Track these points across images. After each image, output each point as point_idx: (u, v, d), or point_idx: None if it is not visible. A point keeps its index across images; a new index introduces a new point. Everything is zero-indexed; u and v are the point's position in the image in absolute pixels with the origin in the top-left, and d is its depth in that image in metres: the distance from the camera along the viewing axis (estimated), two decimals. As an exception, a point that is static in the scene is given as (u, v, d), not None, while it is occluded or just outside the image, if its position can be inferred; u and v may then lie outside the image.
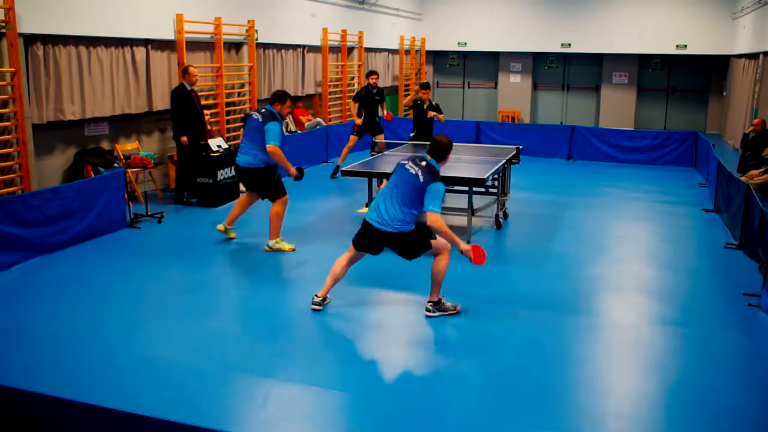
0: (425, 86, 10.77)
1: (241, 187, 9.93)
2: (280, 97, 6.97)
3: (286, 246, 7.11)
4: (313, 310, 5.49)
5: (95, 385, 4.19)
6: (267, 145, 6.71)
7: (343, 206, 9.26)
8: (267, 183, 6.99)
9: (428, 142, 7.15)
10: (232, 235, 7.49)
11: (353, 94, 15.85)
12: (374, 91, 11.23)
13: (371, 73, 11.43)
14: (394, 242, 5.33)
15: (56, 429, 4.06)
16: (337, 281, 5.58)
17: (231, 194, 9.41)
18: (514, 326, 5.32)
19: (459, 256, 5.40)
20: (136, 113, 9.41)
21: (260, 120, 6.83)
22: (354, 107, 11.27)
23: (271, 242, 7.09)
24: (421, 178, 5.18)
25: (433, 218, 5.12)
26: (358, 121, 11.22)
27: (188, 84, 8.86)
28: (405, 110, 11.29)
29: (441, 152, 5.36)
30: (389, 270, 6.56)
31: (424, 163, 5.29)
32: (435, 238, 5.37)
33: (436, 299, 5.47)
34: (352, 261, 5.58)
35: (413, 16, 19.27)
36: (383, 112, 11.58)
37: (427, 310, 5.47)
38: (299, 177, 7.04)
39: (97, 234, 7.46)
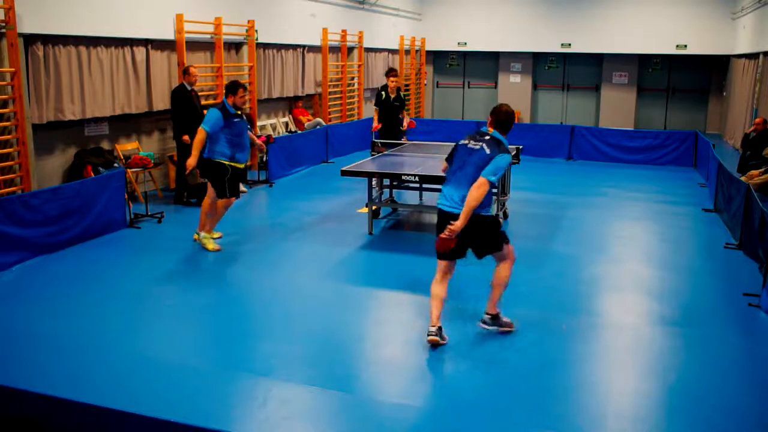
0: (391, 72, 9.76)
1: (242, 187, 9.96)
2: (230, 88, 6.98)
3: (211, 245, 7.08)
4: (432, 342, 4.83)
5: (95, 385, 4.20)
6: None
7: (343, 206, 9.26)
8: (214, 176, 7.00)
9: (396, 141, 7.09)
10: (217, 235, 7.43)
11: (353, 93, 15.98)
12: (393, 95, 9.84)
13: (389, 72, 9.93)
14: (470, 229, 4.81)
15: (56, 429, 4.06)
16: (443, 302, 4.99)
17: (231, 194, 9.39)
18: (514, 326, 5.31)
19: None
20: (136, 113, 9.41)
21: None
22: (376, 114, 9.99)
23: (202, 234, 7.12)
24: (488, 150, 4.80)
25: (480, 182, 4.69)
26: (375, 127, 10.04)
27: (188, 84, 8.86)
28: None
29: (506, 123, 4.94)
30: (390, 270, 6.56)
31: (487, 137, 4.91)
32: (509, 242, 5.07)
33: (494, 312, 5.11)
34: (445, 276, 5.04)
35: (413, 16, 19.28)
36: (406, 119, 10.21)
37: (483, 321, 5.12)
38: (189, 169, 6.90)
39: (97, 234, 7.46)
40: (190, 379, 4.32)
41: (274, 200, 9.94)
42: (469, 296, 5.93)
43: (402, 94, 10.07)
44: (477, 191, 4.71)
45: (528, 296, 5.99)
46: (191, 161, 6.81)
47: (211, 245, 7.05)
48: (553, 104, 20.15)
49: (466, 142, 5.03)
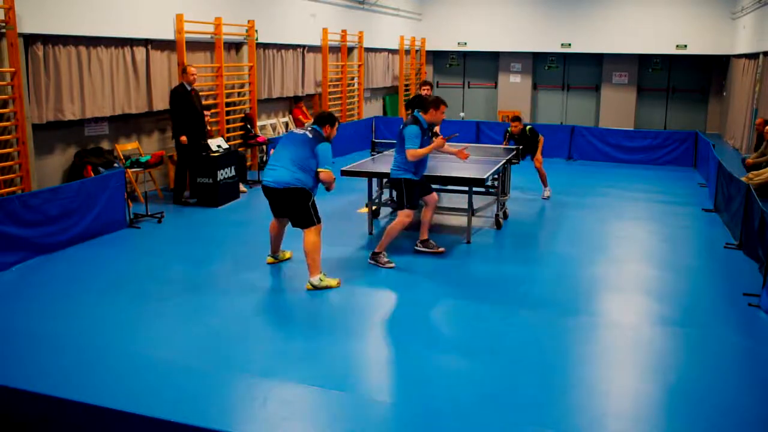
0: (426, 84, 10.44)
1: (242, 187, 9.93)
2: (328, 119, 6.21)
3: (333, 281, 6.12)
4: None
5: (95, 385, 4.19)
6: (320, 170, 5.95)
7: (344, 206, 9.26)
8: (301, 206, 6.04)
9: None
10: (288, 255, 6.86)
11: (353, 93, 15.97)
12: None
13: (423, 84, 10.59)
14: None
15: (56, 429, 4.06)
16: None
17: (231, 194, 9.42)
18: (514, 326, 5.32)
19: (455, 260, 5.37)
20: (136, 113, 9.42)
21: (308, 135, 6.07)
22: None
23: (314, 279, 6.06)
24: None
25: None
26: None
27: (187, 84, 8.86)
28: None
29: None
30: (389, 270, 6.56)
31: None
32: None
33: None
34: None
35: (413, 16, 19.28)
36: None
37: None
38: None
39: (97, 234, 7.46)
40: (190, 379, 4.32)
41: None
42: (469, 296, 5.93)
43: (528, 130, 10.28)
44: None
45: (528, 296, 5.99)
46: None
47: (333, 281, 6.15)
48: (553, 104, 20.15)
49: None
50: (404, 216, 6.64)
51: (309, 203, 6.01)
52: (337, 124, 6.25)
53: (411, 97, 10.77)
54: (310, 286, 5.99)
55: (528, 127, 10.29)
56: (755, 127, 11.74)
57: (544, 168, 10.11)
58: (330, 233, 7.64)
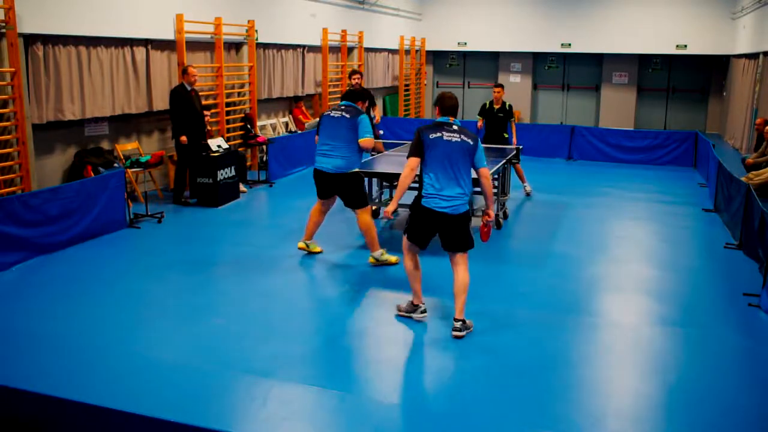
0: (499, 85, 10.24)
1: (242, 187, 9.93)
2: (356, 95, 6.63)
3: (392, 258, 6.59)
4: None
5: (95, 385, 4.20)
6: (361, 140, 6.32)
7: (344, 206, 9.24)
8: (357, 189, 6.52)
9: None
10: (318, 249, 7.00)
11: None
12: (497, 107, 10.11)
13: (353, 72, 10.27)
14: (452, 226, 5.07)
15: (56, 429, 4.06)
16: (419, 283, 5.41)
17: (231, 194, 9.42)
18: (514, 326, 5.32)
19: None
20: (136, 113, 9.41)
21: (347, 116, 6.38)
22: (480, 122, 10.33)
23: (376, 253, 6.58)
24: (471, 141, 5.00)
25: (486, 173, 5.14)
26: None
27: (188, 84, 8.86)
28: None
29: (453, 108, 5.12)
30: (389, 270, 6.56)
31: (456, 127, 5.04)
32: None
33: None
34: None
35: (413, 16, 19.28)
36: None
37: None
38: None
39: (97, 234, 7.46)
40: (190, 379, 4.32)
41: (274, 200, 9.94)
42: (469, 296, 5.94)
43: (508, 105, 10.13)
44: (490, 179, 5.21)
45: (528, 296, 6.00)
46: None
47: (393, 258, 6.63)
48: (553, 104, 20.15)
49: (441, 135, 5.00)
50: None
51: (363, 185, 6.54)
52: (368, 102, 6.66)
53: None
54: (374, 260, 6.56)
55: (508, 103, 10.13)
56: (755, 127, 11.75)
57: (544, 168, 10.10)
58: (330, 233, 7.65)
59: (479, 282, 6.34)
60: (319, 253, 6.97)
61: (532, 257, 7.23)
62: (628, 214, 9.24)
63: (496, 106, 10.12)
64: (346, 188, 6.48)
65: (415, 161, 5.07)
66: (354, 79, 10.00)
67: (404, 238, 5.29)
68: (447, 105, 5.10)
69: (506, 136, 10.17)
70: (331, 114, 6.49)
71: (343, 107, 6.49)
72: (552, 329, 5.26)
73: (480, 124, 10.31)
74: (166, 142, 10.11)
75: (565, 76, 19.98)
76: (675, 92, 19.23)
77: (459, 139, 4.97)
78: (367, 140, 6.35)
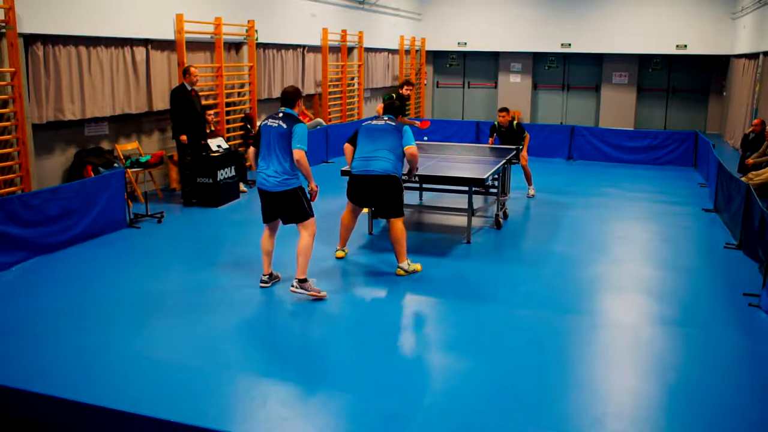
0: (503, 110, 10.28)
1: (242, 187, 9.91)
2: (397, 109, 6.76)
3: (418, 266, 6.55)
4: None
5: (95, 385, 4.20)
6: (407, 147, 6.38)
7: (343, 206, 9.23)
8: (396, 195, 6.44)
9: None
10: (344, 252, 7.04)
11: (353, 93, 15.97)
12: (503, 129, 10.18)
13: (406, 83, 10.67)
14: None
15: (56, 429, 4.06)
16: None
17: (231, 194, 9.42)
18: (514, 326, 5.32)
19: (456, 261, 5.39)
20: (136, 113, 9.42)
21: (391, 124, 6.48)
22: (491, 141, 10.45)
23: (404, 264, 6.45)
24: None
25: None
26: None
27: (189, 84, 8.86)
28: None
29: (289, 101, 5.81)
30: (389, 270, 6.56)
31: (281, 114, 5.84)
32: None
33: (301, 277, 5.79)
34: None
35: (413, 16, 19.28)
36: (417, 124, 10.47)
37: (293, 285, 5.80)
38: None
39: (97, 234, 7.46)
40: (190, 379, 4.32)
41: (274, 200, 9.92)
42: (470, 296, 5.94)
43: (515, 125, 10.10)
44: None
45: (528, 296, 6.00)
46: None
47: (419, 266, 6.57)
48: (553, 104, 20.15)
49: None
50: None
51: (402, 192, 6.49)
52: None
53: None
54: (402, 272, 6.41)
55: (515, 121, 10.18)
56: (752, 128, 11.75)
57: (544, 167, 10.09)
58: (330, 233, 7.65)
59: (479, 282, 6.34)
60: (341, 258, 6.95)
61: (532, 257, 7.23)
62: (628, 214, 9.24)
63: (503, 128, 10.13)
64: (384, 193, 6.40)
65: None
66: (406, 89, 10.47)
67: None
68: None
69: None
70: (374, 122, 6.64)
71: (386, 118, 6.64)
72: (552, 329, 5.26)
73: (491, 141, 10.34)
74: (166, 142, 10.11)
75: (565, 76, 19.98)
76: (675, 92, 19.23)
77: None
78: (410, 148, 6.41)
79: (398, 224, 6.39)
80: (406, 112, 10.69)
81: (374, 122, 6.63)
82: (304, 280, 5.76)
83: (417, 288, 6.12)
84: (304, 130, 5.70)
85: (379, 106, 9.97)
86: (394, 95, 9.81)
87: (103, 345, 4.82)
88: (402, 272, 6.39)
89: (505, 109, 10.22)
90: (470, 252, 7.29)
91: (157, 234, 7.78)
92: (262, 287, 5.98)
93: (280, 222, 5.95)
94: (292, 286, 5.80)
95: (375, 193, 6.46)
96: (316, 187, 5.83)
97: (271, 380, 4.34)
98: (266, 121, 5.82)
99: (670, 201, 10.11)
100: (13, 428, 4.10)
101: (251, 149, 6.15)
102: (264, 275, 6.03)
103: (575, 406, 4.14)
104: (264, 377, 4.37)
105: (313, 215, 5.84)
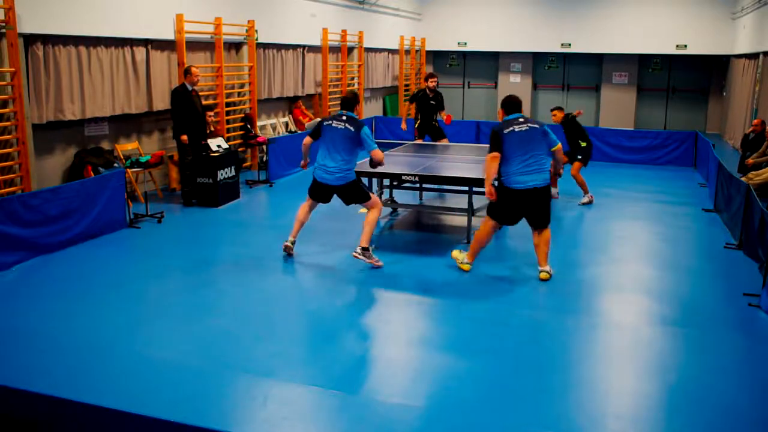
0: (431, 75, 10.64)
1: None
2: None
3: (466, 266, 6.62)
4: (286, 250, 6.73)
5: (95, 385, 4.20)
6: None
7: (343, 206, 9.23)
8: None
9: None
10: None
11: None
12: (431, 95, 10.68)
13: (430, 75, 10.94)
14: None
15: (56, 429, 4.06)
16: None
17: (231, 194, 9.42)
18: (514, 326, 5.32)
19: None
20: (136, 113, 9.41)
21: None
22: (404, 109, 10.79)
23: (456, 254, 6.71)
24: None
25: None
26: (404, 126, 11.47)
27: (189, 84, 8.86)
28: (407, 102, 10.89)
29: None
30: (389, 270, 6.56)
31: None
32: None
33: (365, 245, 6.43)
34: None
35: (413, 16, 19.28)
36: (443, 116, 10.98)
37: (356, 252, 6.45)
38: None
39: (97, 234, 7.46)
40: (190, 379, 4.32)
41: (274, 200, 9.94)
42: (470, 296, 5.93)
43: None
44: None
45: (528, 296, 6.00)
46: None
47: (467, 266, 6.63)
48: (553, 104, 19.94)
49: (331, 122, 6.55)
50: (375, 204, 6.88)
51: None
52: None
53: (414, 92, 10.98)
54: (367, 250, 6.67)
55: (570, 114, 9.90)
56: (752, 128, 11.75)
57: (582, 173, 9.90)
58: (330, 233, 7.65)
59: (479, 282, 6.34)
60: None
61: (532, 257, 7.22)
62: (628, 214, 9.24)
63: (430, 95, 10.48)
64: None
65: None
66: (431, 81, 10.72)
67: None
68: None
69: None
70: (518, 128, 6.54)
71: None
72: (552, 329, 5.26)
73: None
74: (166, 142, 10.11)
75: (565, 76, 19.98)
76: (675, 92, 19.23)
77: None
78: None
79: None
80: (443, 109, 11.06)
81: (334, 123, 6.63)
82: (366, 249, 6.48)
83: (416, 288, 6.12)
84: (369, 131, 6.57)
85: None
86: (417, 91, 10.26)
87: (103, 345, 4.82)
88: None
89: (558, 108, 10.08)
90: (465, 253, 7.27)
91: (157, 234, 7.79)
92: (285, 247, 6.83)
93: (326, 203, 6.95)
94: (356, 252, 6.49)
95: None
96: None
97: (271, 380, 4.34)
98: (331, 122, 6.57)
99: (670, 201, 10.11)
100: (13, 428, 4.10)
101: (308, 139, 6.89)
102: (291, 238, 6.83)
103: (575, 406, 4.14)
104: (264, 377, 4.37)
105: (373, 193, 6.79)
